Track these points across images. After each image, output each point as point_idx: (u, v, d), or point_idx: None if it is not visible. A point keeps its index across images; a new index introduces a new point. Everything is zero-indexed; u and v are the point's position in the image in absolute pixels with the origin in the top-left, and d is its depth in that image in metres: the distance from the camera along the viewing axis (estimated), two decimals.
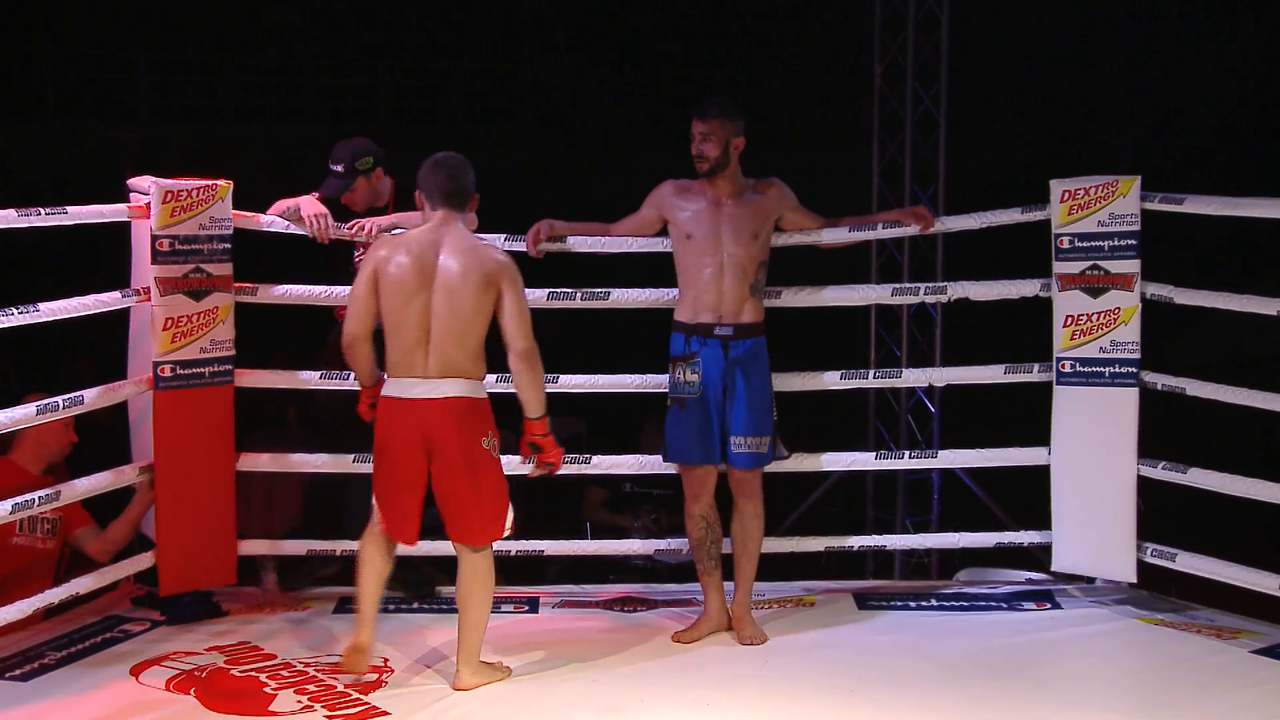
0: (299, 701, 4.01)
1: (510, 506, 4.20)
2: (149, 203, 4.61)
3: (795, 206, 4.79)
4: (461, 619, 4.14)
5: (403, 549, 4.76)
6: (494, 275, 4.08)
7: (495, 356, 4.21)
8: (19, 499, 4.31)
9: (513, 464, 5.00)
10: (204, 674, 4.24)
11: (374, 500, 4.24)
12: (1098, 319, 4.85)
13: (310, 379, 4.95)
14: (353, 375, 4.66)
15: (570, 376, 5.00)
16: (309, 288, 4.90)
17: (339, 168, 4.92)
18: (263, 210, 4.89)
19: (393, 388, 4.11)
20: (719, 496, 4.70)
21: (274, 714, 3.94)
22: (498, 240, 4.81)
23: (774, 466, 4.80)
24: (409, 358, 4.06)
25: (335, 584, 5.09)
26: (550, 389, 4.95)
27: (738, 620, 4.62)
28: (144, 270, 4.67)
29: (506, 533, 4.18)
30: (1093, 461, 4.88)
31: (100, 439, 5.67)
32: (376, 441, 4.17)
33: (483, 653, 4.19)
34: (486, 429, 4.13)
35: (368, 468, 4.78)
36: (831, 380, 5.08)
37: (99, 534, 4.87)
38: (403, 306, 4.05)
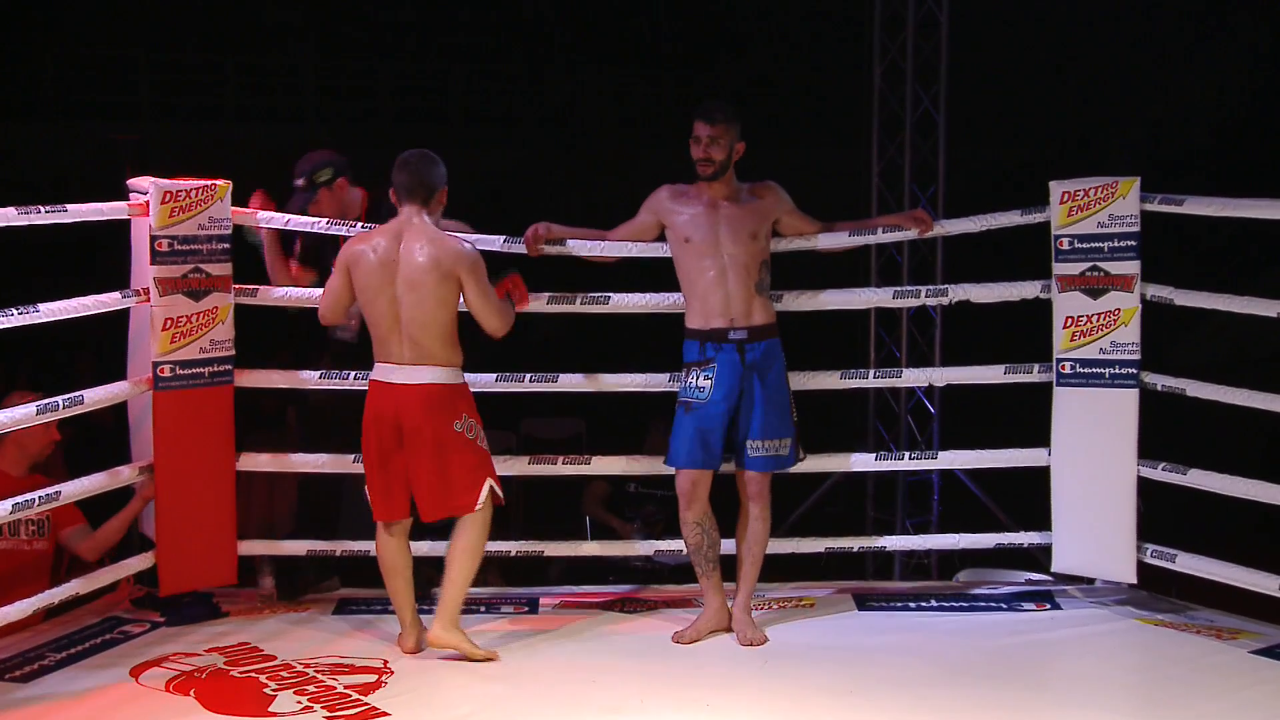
0: (298, 702, 4.00)
1: (489, 482, 4.32)
2: (148, 202, 4.61)
3: (792, 210, 4.80)
4: (444, 576, 4.34)
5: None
6: (451, 267, 4.23)
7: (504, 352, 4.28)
8: (17, 499, 4.30)
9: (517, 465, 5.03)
10: (204, 675, 4.24)
11: (367, 490, 4.39)
12: (1098, 320, 4.84)
13: (310, 379, 4.95)
14: (352, 374, 4.83)
15: (570, 376, 5.00)
16: (309, 290, 4.89)
17: (300, 181, 4.92)
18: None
19: (376, 372, 4.34)
20: (721, 499, 4.71)
21: (273, 715, 3.94)
22: (496, 241, 4.82)
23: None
24: (386, 346, 4.29)
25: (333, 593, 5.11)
26: (550, 389, 5.02)
27: (738, 621, 4.61)
28: (143, 271, 4.67)
29: (479, 506, 4.29)
30: (1093, 462, 4.88)
31: (101, 439, 5.67)
32: (364, 421, 4.36)
33: (487, 645, 4.34)
34: (460, 413, 4.30)
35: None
36: (831, 380, 5.08)
37: (89, 534, 4.86)
38: (373, 300, 4.28)
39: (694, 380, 4.61)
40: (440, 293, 4.23)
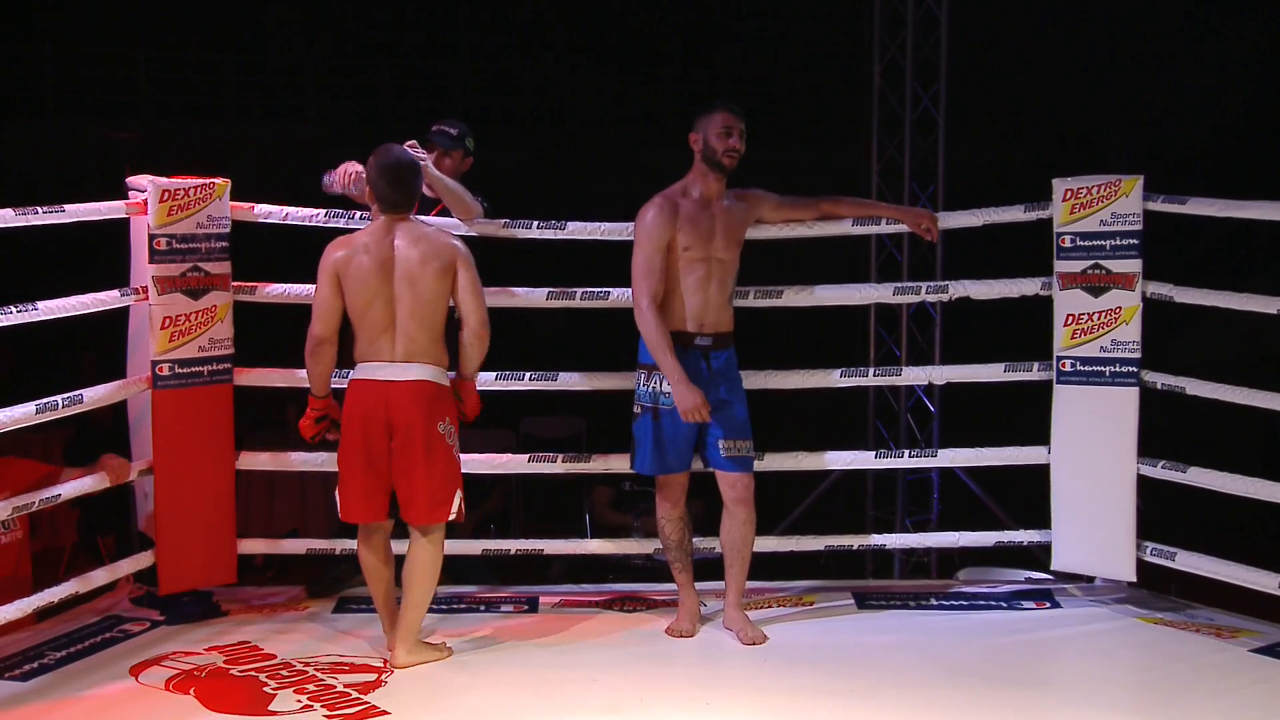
0: (298, 701, 4.00)
1: (459, 495, 4.30)
2: (146, 200, 4.61)
3: (778, 203, 4.77)
4: (404, 597, 4.30)
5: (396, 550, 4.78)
6: (450, 259, 4.25)
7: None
8: (17, 500, 4.30)
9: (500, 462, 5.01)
10: (203, 674, 4.23)
11: (336, 492, 4.33)
12: (1098, 318, 4.84)
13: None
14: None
15: (570, 375, 4.99)
16: (308, 287, 4.88)
17: (453, 130, 5.00)
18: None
19: (362, 371, 4.28)
20: (711, 499, 4.70)
21: (273, 714, 3.93)
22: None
23: (776, 465, 4.80)
24: (375, 346, 4.24)
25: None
26: (550, 387, 5.01)
27: (736, 620, 4.60)
28: (142, 269, 4.67)
29: (451, 517, 4.29)
30: (1093, 460, 4.88)
31: (103, 437, 5.66)
32: (345, 420, 4.31)
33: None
34: (445, 414, 4.29)
35: None
36: (831, 378, 5.07)
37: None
38: (368, 302, 4.23)
39: (659, 386, 4.50)
40: (440, 286, 4.22)
